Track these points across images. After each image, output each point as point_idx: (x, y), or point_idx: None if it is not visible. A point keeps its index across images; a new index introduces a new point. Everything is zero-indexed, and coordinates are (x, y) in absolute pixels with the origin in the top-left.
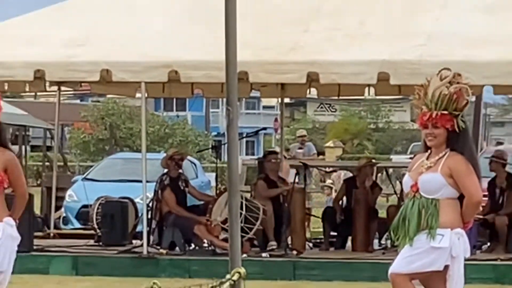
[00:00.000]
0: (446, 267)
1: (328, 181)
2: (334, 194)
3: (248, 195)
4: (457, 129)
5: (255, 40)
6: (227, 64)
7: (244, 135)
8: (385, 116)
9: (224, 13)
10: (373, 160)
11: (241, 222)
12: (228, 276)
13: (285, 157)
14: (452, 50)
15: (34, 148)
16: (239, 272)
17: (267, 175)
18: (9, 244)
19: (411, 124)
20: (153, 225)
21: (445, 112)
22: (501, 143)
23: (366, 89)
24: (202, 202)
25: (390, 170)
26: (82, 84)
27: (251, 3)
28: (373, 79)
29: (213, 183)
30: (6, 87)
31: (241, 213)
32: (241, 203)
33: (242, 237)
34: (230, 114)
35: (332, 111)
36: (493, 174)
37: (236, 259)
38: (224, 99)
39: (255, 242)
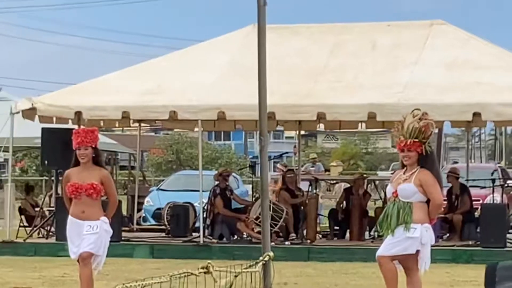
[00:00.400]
0: (418, 251)
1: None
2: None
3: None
4: (425, 153)
5: (280, 89)
6: (259, 106)
7: (272, 157)
8: (373, 143)
9: (257, 69)
10: (364, 175)
11: (270, 219)
12: (261, 258)
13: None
14: (422, 96)
15: (122, 167)
16: (269, 255)
17: (287, 186)
18: (104, 236)
19: (391, 149)
20: (207, 222)
21: (416, 140)
22: (456, 162)
23: (359, 124)
24: (242, 206)
25: (377, 182)
26: (156, 121)
27: (276, 62)
28: (364, 117)
29: (250, 192)
30: (101, 124)
31: (270, 214)
32: (270, 206)
33: (271, 230)
34: (262, 142)
35: (335, 140)
36: (450, 184)
37: (266, 246)
38: (258, 132)
39: (280, 234)
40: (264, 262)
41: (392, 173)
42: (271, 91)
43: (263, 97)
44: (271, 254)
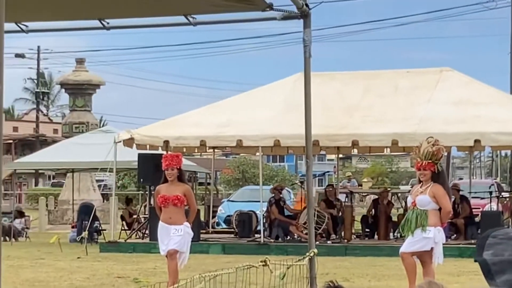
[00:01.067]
0: (432, 248)
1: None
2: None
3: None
4: (437, 171)
5: (322, 122)
6: (306, 136)
7: (316, 175)
8: (396, 164)
9: (304, 106)
10: (388, 189)
11: (315, 223)
12: (307, 254)
13: (301, 187)
14: (434, 127)
15: (200, 184)
16: (313, 252)
17: (327, 197)
18: (187, 237)
19: (410, 168)
20: (266, 226)
21: (430, 161)
22: (461, 179)
23: (385, 148)
24: (293, 213)
25: (399, 194)
26: (226, 147)
27: (320, 101)
28: (388, 143)
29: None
30: (184, 150)
31: (314, 219)
32: (314, 213)
33: (315, 232)
34: (308, 164)
35: (366, 162)
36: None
37: (312, 244)
38: (305, 155)
39: (323, 235)
40: (310, 257)
41: (411, 187)
42: (316, 124)
43: (308, 128)
44: (315, 250)
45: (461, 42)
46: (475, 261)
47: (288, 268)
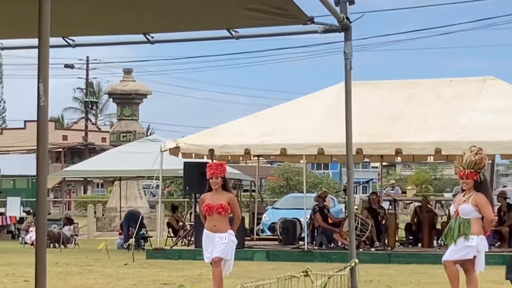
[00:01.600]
0: (475, 256)
1: None
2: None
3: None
4: (479, 180)
5: (366, 130)
6: (347, 147)
7: (361, 183)
8: (440, 172)
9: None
10: (431, 197)
11: (359, 231)
12: (348, 264)
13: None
14: (477, 135)
15: (245, 191)
16: (354, 261)
17: (371, 205)
18: (231, 244)
19: (454, 176)
20: (310, 233)
21: (473, 170)
22: (505, 186)
23: (428, 157)
24: (336, 221)
25: (443, 202)
26: (271, 156)
27: (364, 110)
28: (432, 151)
29: (343, 210)
30: (229, 158)
31: (358, 227)
32: (358, 221)
33: (359, 239)
34: (349, 174)
35: (410, 169)
36: (499, 203)
37: (353, 253)
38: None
39: (367, 242)
40: (351, 267)
41: (454, 196)
42: (360, 132)
43: (349, 139)
44: (356, 260)
45: (506, 50)
46: (507, 279)
47: (329, 278)
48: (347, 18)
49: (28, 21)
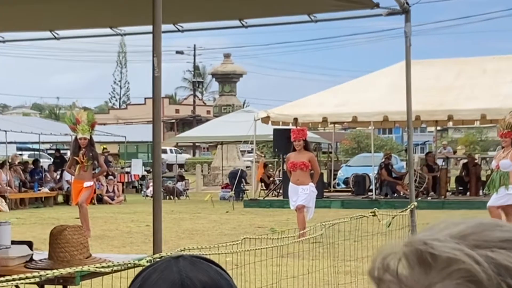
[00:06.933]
0: None
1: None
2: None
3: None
4: None
5: (423, 100)
6: (407, 112)
7: (419, 144)
8: (485, 134)
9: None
10: (477, 155)
11: (417, 183)
12: (408, 206)
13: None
14: None
15: (323, 152)
16: (414, 204)
17: (427, 162)
18: (312, 195)
19: (497, 138)
20: (377, 185)
21: (510, 130)
22: None
23: (475, 121)
24: (399, 175)
25: (487, 158)
26: (344, 123)
27: (421, 83)
28: (478, 117)
29: (404, 166)
30: (310, 125)
31: (417, 180)
32: (417, 175)
33: (418, 190)
34: (409, 133)
35: (460, 132)
36: None
37: (412, 199)
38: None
39: (424, 192)
40: (411, 209)
41: (495, 152)
42: (418, 101)
43: (409, 105)
44: (415, 203)
45: None
46: None
47: (393, 218)
48: (407, 3)
49: (144, 9)
